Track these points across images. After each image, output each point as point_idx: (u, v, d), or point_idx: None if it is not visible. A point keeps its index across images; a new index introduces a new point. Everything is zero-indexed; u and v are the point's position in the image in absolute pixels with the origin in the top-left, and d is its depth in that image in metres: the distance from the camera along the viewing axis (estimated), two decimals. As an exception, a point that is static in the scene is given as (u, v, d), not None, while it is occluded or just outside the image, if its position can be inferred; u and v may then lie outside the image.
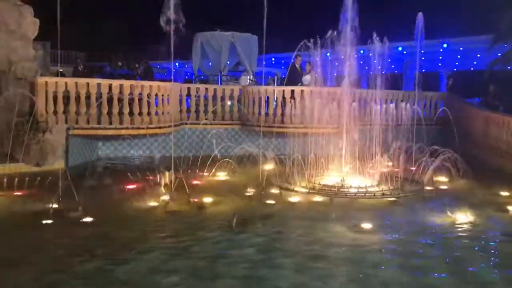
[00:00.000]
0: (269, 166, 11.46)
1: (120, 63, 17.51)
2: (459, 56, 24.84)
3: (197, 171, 10.50)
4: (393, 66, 29.12)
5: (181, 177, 8.80)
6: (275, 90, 13.85)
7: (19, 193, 8.29)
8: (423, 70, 26.66)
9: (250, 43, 18.59)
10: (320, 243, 6.06)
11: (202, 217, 7.20)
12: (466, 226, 7.03)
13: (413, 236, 6.46)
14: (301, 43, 13.03)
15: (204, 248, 5.81)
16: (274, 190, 8.97)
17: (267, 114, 13.86)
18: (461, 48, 22.81)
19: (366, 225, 6.81)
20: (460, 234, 6.68)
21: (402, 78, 26.29)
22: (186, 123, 13.68)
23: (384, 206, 8.24)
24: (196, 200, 8.08)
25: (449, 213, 7.54)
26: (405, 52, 23.54)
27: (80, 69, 15.21)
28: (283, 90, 13.66)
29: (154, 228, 6.60)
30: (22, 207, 7.41)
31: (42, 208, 7.21)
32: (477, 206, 8.12)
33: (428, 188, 9.51)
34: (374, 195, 8.79)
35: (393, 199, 8.63)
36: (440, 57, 25.44)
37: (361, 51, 25.51)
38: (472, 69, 27.16)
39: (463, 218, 7.33)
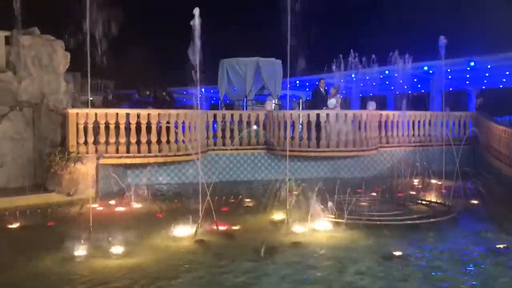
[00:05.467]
0: (296, 191, 11.42)
1: (147, 92, 17.95)
2: (487, 74, 24.49)
3: (224, 197, 10.53)
4: (419, 86, 28.92)
5: (209, 204, 8.83)
6: (300, 114, 13.89)
7: (51, 223, 8.48)
8: (450, 89, 26.37)
9: (274, 67, 18.78)
10: (350, 272, 5.99)
11: (230, 245, 7.21)
12: (500, 251, 6.83)
13: (444, 262, 6.32)
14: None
15: (233, 277, 5.80)
16: (302, 216, 8.90)
17: (292, 138, 13.88)
18: (489, 66, 22.49)
19: (397, 252, 6.69)
20: (494, 258, 6.49)
21: (429, 98, 26.01)
22: (213, 149, 13.82)
23: (413, 232, 8.08)
24: (223, 227, 8.11)
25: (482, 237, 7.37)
26: (431, 71, 23.34)
27: (109, 98, 15.64)
28: (308, 114, 13.68)
29: (183, 258, 6.64)
30: (53, 237, 7.54)
31: (72, 239, 7.33)
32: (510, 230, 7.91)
33: (459, 212, 9.27)
34: (404, 220, 8.65)
35: (422, 224, 8.46)
36: (468, 75, 25.13)
37: (387, 72, 25.51)
38: (501, 86, 26.70)
39: (496, 241, 7.15)
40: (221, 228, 8.09)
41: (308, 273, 6.01)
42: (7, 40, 11.60)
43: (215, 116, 14.24)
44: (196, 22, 9.00)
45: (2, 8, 11.64)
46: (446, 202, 9.97)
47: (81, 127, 11.24)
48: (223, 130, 14.12)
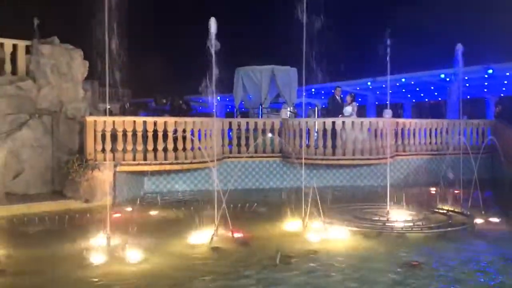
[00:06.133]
0: (311, 199, 11.37)
1: (164, 100, 18.13)
2: (505, 81, 24.19)
3: (239, 205, 10.54)
4: (436, 94, 28.70)
5: (224, 211, 8.86)
6: (316, 122, 13.87)
7: (69, 230, 8.58)
8: (468, 97, 26.09)
9: (289, 76, 18.81)
10: (368, 281, 5.94)
11: (246, 253, 7.20)
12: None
13: (463, 272, 6.23)
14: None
15: (249, 285, 5.80)
16: (318, 224, 8.87)
17: (308, 146, 13.85)
18: (507, 73, 22.23)
19: (415, 262, 6.62)
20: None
21: (446, 106, 25.79)
22: (229, 157, 13.86)
23: (431, 241, 7.99)
24: (239, 235, 8.11)
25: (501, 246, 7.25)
26: (448, 79, 23.15)
27: (126, 107, 15.83)
28: (324, 122, 13.66)
29: (198, 265, 6.66)
30: (70, 244, 7.63)
31: (90, 244, 7.41)
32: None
33: (477, 221, 9.14)
34: (421, 229, 8.56)
35: (440, 233, 8.35)
36: (486, 83, 24.86)
37: (403, 79, 25.39)
38: (521, 93, 26.36)
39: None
40: (237, 235, 8.09)
41: (324, 281, 5.97)
42: (27, 49, 11.85)
43: (230, 124, 14.31)
44: (212, 29, 9.06)
45: (23, 18, 11.90)
46: (464, 211, 9.84)
47: (98, 134, 11.37)
48: (239, 138, 14.18)
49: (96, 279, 6.05)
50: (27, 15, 11.47)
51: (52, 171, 11.44)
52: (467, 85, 22.89)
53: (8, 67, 11.64)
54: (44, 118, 11.52)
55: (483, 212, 9.67)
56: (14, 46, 11.70)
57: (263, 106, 18.37)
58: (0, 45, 11.52)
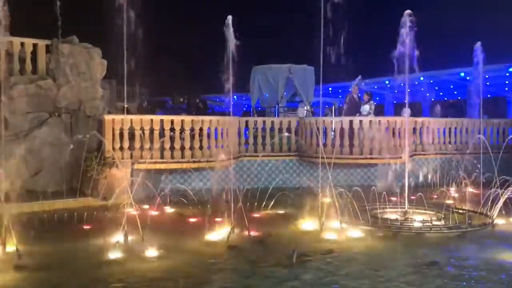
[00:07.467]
0: (328, 199, 11.31)
1: (181, 99, 18.25)
2: (527, 80, 23.78)
3: (256, 203, 10.53)
4: (456, 92, 28.31)
5: (241, 210, 8.87)
6: (333, 121, 13.78)
7: (87, 227, 8.69)
8: (489, 96, 25.68)
9: (306, 75, 18.75)
10: (384, 280, 5.88)
11: (263, 251, 7.19)
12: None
13: (482, 274, 6.12)
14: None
15: (265, 284, 5.79)
16: (334, 224, 8.81)
17: (325, 145, 13.76)
18: (529, 72, 21.84)
19: (433, 261, 6.54)
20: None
21: (466, 105, 25.43)
22: (245, 155, 13.85)
23: (450, 241, 7.87)
24: (255, 233, 8.10)
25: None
26: (468, 77, 22.82)
27: (144, 105, 15.96)
28: (341, 121, 13.56)
29: (215, 263, 6.66)
30: (89, 241, 7.71)
31: (107, 242, 7.47)
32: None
33: (498, 221, 8.98)
34: (440, 229, 8.44)
35: (459, 233, 8.23)
36: (507, 82, 24.45)
37: (421, 78, 25.08)
38: (542, 92, 25.85)
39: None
40: (253, 234, 8.08)
41: (341, 280, 5.93)
42: (47, 49, 12.01)
43: (247, 122, 14.31)
44: (230, 25, 9.08)
45: (43, 18, 12.06)
46: (483, 211, 9.67)
47: (116, 132, 11.47)
48: (255, 137, 14.16)
49: (114, 276, 6.10)
50: (47, 14, 11.61)
51: (71, 169, 11.56)
52: (488, 83, 22.54)
53: (28, 66, 11.82)
54: (63, 117, 11.67)
55: (503, 212, 9.49)
56: (35, 46, 11.86)
57: (279, 105, 18.33)
58: (21, 45, 11.69)
